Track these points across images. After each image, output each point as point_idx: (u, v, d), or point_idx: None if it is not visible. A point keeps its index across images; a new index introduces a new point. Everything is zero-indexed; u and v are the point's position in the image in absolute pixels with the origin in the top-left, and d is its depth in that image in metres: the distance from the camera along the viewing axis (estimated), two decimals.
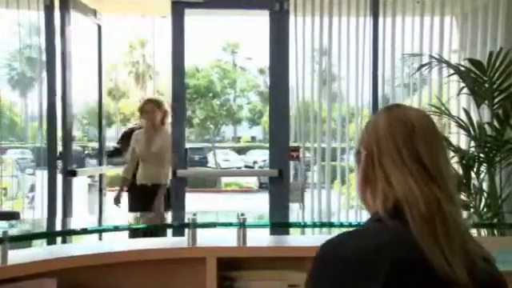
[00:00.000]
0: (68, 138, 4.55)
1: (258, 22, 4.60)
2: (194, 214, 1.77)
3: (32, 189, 5.57)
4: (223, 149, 25.88)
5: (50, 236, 1.87)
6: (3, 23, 4.42)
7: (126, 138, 5.59)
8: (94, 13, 5.03)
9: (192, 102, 23.15)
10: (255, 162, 23.45)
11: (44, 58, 4.42)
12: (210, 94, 24.39)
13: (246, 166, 23.49)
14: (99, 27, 5.14)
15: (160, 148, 4.91)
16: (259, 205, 4.55)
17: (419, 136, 1.15)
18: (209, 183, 17.72)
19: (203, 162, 22.90)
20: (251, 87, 25.29)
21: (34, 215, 5.09)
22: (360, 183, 1.20)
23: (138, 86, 27.46)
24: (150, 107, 4.97)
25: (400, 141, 1.15)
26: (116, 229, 1.90)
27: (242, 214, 1.81)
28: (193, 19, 4.58)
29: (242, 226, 1.77)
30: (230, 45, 26.43)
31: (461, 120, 3.97)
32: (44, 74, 4.42)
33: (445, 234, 1.05)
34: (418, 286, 1.02)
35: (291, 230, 2.64)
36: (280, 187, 4.51)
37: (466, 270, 1.04)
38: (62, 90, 4.46)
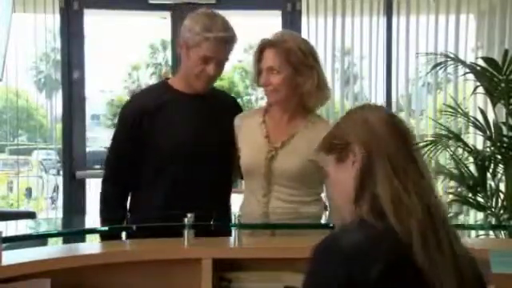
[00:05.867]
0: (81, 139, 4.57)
1: (279, 22, 4.56)
2: (190, 216, 1.77)
3: (55, 189, 5.67)
4: None
5: (41, 237, 1.89)
6: (31, 26, 4.48)
7: None
8: None
9: None
10: None
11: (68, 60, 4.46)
12: (232, 95, 24.32)
13: None
14: None
15: None
16: None
17: (411, 140, 1.17)
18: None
19: None
20: None
21: (56, 215, 5.18)
22: (357, 183, 1.14)
23: None
24: None
25: (400, 142, 1.14)
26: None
27: (239, 215, 1.81)
28: None
29: (238, 226, 1.77)
30: (252, 46, 26.34)
31: (476, 120, 3.91)
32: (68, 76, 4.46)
33: (436, 241, 1.07)
34: (408, 284, 1.05)
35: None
36: None
37: (455, 273, 1.06)
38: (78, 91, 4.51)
